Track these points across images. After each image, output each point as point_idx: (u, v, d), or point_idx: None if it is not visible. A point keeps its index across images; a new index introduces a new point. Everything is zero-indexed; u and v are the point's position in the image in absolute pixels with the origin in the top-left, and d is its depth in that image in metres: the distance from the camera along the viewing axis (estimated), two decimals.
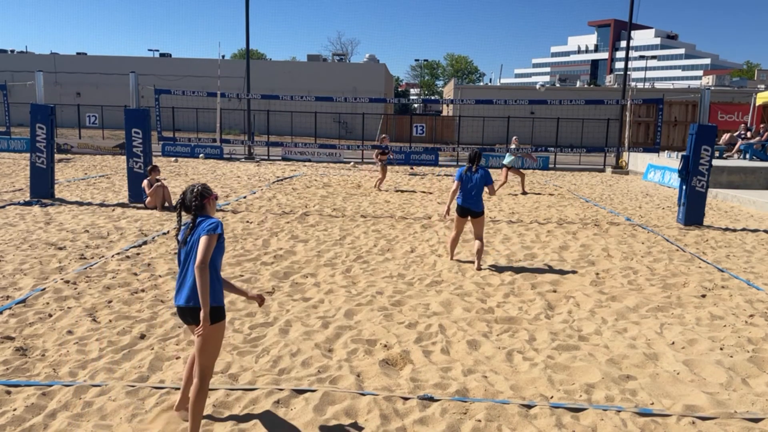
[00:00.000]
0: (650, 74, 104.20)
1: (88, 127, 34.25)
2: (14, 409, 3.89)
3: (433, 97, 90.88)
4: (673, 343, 5.34)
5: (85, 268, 7.17)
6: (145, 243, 8.67)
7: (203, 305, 3.31)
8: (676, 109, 31.81)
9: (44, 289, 6.33)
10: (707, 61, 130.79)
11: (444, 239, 9.54)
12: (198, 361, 3.49)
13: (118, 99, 39.20)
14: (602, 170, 25.16)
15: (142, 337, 5.18)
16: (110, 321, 5.51)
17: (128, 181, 12.54)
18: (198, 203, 3.57)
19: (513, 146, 16.38)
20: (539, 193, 16.36)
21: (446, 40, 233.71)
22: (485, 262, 8.08)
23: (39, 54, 56.99)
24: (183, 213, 3.61)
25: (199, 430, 3.53)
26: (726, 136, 21.33)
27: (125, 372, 4.49)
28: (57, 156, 16.37)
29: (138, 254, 8.00)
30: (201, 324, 3.34)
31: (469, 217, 7.77)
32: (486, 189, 7.74)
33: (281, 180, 18.01)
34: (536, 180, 20.59)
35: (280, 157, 26.55)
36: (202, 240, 3.37)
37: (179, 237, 3.59)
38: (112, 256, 7.84)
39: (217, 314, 3.44)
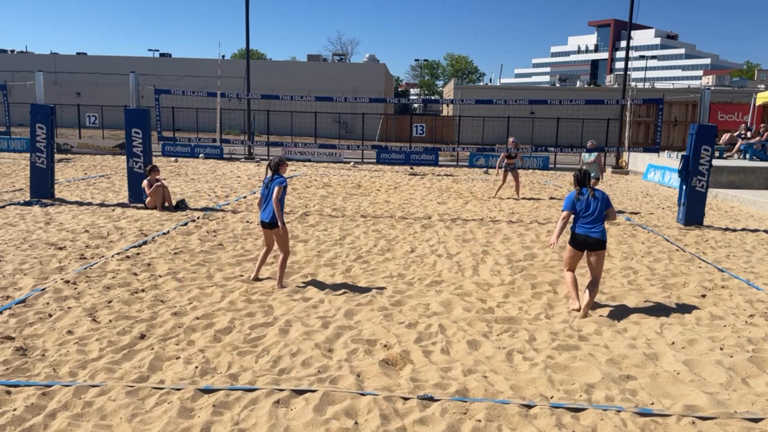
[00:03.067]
0: (650, 74, 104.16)
1: (88, 127, 34.25)
2: (14, 409, 3.89)
3: (433, 97, 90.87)
4: (673, 343, 5.33)
5: (85, 268, 7.17)
6: (145, 243, 8.67)
7: (279, 219, 6.47)
8: (676, 109, 31.82)
9: (44, 289, 6.33)
10: (707, 61, 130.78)
11: (444, 239, 9.54)
12: (281, 247, 6.64)
13: (118, 99, 39.20)
14: (602, 170, 25.14)
15: (142, 337, 5.18)
16: (110, 321, 5.51)
17: (128, 181, 12.53)
18: (275, 167, 6.64)
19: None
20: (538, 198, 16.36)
21: (446, 40, 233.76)
22: (486, 263, 8.07)
23: (39, 54, 56.98)
24: (269, 171, 6.66)
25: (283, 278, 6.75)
26: (726, 136, 21.34)
27: (125, 372, 4.48)
28: (57, 156, 16.37)
29: (138, 254, 7.99)
30: (280, 229, 6.50)
31: (586, 251, 6.17)
32: (607, 214, 6.20)
33: None
34: (536, 180, 20.60)
35: None
36: (276, 188, 6.48)
37: (265, 182, 6.67)
38: (112, 256, 7.84)
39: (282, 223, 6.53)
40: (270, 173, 6.66)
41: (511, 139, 14.75)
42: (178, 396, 4.12)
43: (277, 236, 6.63)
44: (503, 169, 14.79)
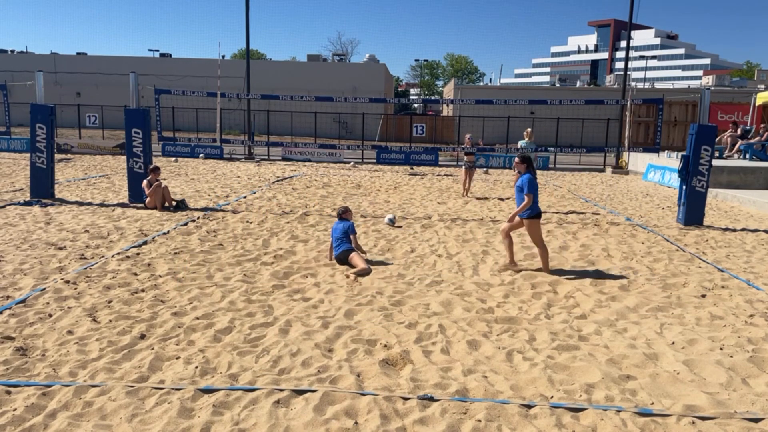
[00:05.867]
0: (650, 74, 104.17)
1: (88, 127, 34.26)
2: (14, 409, 3.89)
3: (433, 97, 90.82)
4: (673, 343, 5.33)
5: (85, 268, 7.17)
6: (145, 243, 8.66)
7: (358, 249, 7.78)
8: (676, 109, 31.82)
9: (44, 289, 6.33)
10: (707, 61, 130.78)
11: (444, 239, 9.55)
12: (360, 266, 7.43)
13: (118, 99, 39.20)
14: (602, 170, 25.16)
15: (142, 337, 5.18)
16: (110, 321, 5.51)
17: (128, 181, 12.54)
18: (343, 213, 8.07)
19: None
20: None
21: (446, 40, 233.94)
22: (486, 263, 8.08)
23: (39, 54, 56.99)
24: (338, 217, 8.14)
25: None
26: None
27: (125, 372, 4.48)
28: (57, 156, 16.36)
29: (138, 254, 7.99)
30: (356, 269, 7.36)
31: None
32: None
33: (281, 180, 18.01)
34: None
35: (280, 157, 26.56)
36: (352, 237, 7.81)
37: (334, 227, 7.96)
38: (112, 256, 7.84)
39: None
40: (338, 219, 8.01)
41: (467, 136, 15.55)
42: (178, 396, 4.12)
43: (354, 260, 7.55)
44: (462, 167, 15.34)
